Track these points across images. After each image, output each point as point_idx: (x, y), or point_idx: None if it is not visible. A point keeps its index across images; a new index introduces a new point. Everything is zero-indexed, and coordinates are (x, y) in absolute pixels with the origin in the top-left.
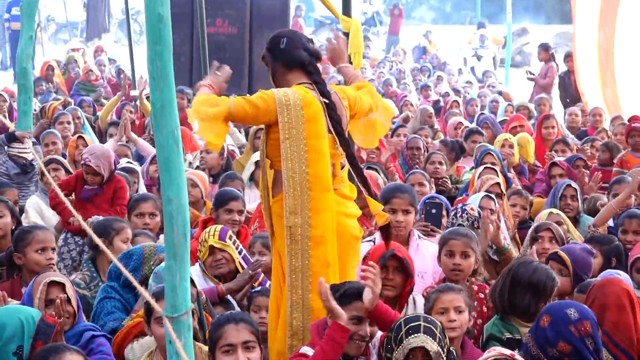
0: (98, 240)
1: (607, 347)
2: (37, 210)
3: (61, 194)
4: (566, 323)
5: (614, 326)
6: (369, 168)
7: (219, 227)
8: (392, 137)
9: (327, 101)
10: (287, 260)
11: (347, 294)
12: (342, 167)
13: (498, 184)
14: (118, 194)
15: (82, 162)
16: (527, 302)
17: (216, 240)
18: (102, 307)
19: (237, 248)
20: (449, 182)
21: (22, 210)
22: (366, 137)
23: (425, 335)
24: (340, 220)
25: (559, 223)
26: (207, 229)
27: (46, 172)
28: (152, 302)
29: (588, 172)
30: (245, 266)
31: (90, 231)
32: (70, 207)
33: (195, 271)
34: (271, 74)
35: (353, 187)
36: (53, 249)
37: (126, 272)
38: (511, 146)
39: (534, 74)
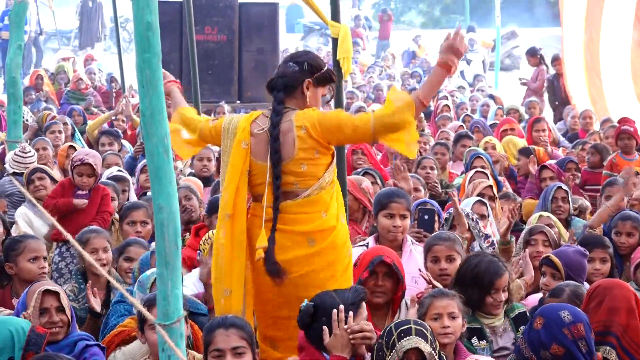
0: (89, 258)
1: (616, 351)
2: (26, 220)
3: (45, 212)
4: (560, 326)
5: (623, 330)
6: (365, 173)
7: None
8: None
9: (263, 129)
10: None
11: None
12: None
13: (490, 186)
14: (104, 201)
15: (79, 161)
16: (471, 295)
17: None
18: (115, 309)
19: None
20: (439, 186)
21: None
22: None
23: (418, 337)
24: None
25: (550, 226)
26: (210, 231)
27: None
28: (144, 311)
29: (579, 174)
30: None
31: (80, 249)
32: (59, 226)
33: (194, 277)
34: None
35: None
36: (44, 258)
37: (118, 285)
38: (494, 147)
39: (526, 79)
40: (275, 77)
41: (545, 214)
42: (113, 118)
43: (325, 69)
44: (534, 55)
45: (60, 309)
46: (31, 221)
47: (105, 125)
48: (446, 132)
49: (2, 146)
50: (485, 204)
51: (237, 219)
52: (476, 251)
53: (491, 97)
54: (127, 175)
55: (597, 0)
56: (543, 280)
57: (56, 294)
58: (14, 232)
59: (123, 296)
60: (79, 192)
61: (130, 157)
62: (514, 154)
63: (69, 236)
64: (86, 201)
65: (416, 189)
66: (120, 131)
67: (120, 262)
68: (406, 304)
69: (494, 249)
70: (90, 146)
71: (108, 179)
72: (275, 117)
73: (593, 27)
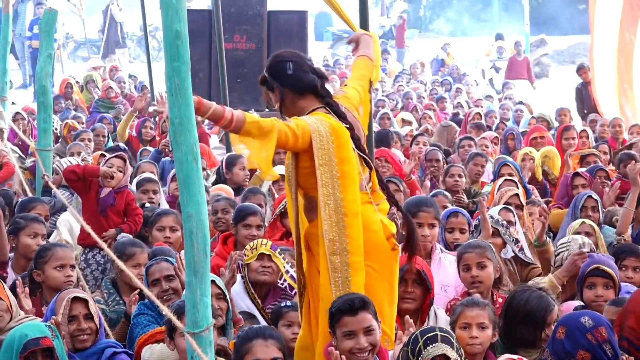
0: (120, 263)
1: None
2: (68, 227)
3: (84, 224)
4: (582, 332)
5: None
6: (387, 181)
7: (269, 241)
8: (411, 145)
9: (347, 126)
10: (332, 289)
11: (334, 311)
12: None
13: (517, 195)
14: (131, 205)
15: (112, 154)
16: (523, 332)
17: (267, 249)
18: (137, 322)
19: (285, 265)
20: (465, 197)
21: None
22: None
23: (444, 344)
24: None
25: (589, 234)
26: (259, 240)
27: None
28: (174, 319)
29: (609, 182)
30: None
31: (112, 254)
32: (94, 235)
33: (235, 290)
34: (279, 101)
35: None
36: (72, 267)
37: (152, 295)
38: (532, 160)
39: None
40: (319, 79)
41: (587, 221)
42: (139, 118)
43: None
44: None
45: (89, 317)
46: (72, 228)
47: (134, 132)
48: (485, 140)
49: (32, 159)
50: (511, 211)
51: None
52: (523, 286)
53: (521, 103)
54: (156, 177)
55: (632, 5)
56: (592, 292)
57: (85, 302)
58: (53, 238)
59: (143, 308)
60: (105, 189)
61: (156, 150)
62: (556, 164)
63: (106, 248)
64: (114, 173)
65: (444, 207)
66: (148, 138)
67: None
68: (435, 312)
69: (523, 254)
70: None
71: (138, 181)
72: (343, 113)
73: (628, 31)
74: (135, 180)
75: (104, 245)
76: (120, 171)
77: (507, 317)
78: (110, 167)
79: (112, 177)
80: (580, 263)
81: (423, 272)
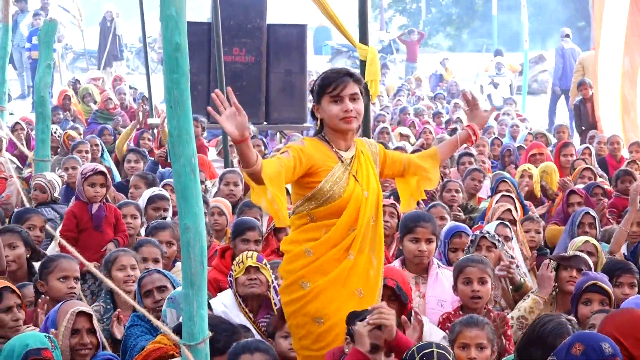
0: (110, 283)
1: None
2: None
3: (69, 246)
4: (600, 356)
5: None
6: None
7: (255, 253)
8: None
9: None
10: None
11: (349, 315)
12: None
13: (509, 210)
14: (119, 221)
15: (91, 171)
16: (536, 354)
17: (254, 262)
18: (131, 333)
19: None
20: (461, 213)
21: None
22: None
23: None
24: None
25: (591, 253)
26: (244, 253)
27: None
28: (168, 331)
29: (606, 199)
30: (274, 295)
31: (97, 272)
32: (79, 256)
33: (228, 300)
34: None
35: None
36: (76, 279)
37: (137, 305)
38: (530, 177)
39: None
40: None
41: (592, 240)
42: (137, 130)
43: (316, 80)
44: None
45: (92, 331)
46: None
47: (132, 143)
48: (483, 156)
49: (30, 169)
50: (507, 226)
51: None
52: (552, 314)
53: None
54: (168, 195)
55: (637, 26)
56: (588, 308)
57: (89, 316)
58: (52, 248)
59: (136, 320)
60: (94, 207)
61: (152, 161)
62: (554, 180)
63: (91, 267)
64: None
65: (442, 217)
66: (146, 150)
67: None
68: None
69: (518, 270)
70: (118, 164)
71: (150, 197)
72: None
73: (633, 52)
74: (146, 195)
75: (95, 270)
76: (103, 185)
77: (525, 337)
78: (93, 186)
79: None
80: (549, 273)
81: (397, 287)
